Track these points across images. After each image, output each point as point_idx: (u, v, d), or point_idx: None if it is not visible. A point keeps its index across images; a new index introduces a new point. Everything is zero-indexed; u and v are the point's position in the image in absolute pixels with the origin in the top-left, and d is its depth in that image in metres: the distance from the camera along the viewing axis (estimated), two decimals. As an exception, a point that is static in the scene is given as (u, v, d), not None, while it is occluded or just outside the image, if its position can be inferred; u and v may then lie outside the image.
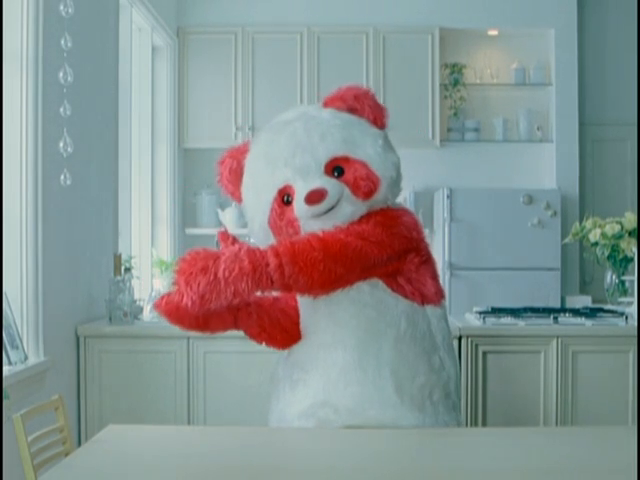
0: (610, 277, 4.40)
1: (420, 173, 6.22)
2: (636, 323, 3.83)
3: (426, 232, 2.76)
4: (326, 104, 2.73)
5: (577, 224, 4.55)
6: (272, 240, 2.63)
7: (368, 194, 2.58)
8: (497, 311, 4.09)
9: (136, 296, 4.28)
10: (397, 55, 6.13)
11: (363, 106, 2.69)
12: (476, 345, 3.78)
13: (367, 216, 2.60)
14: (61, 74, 3.18)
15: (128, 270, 4.26)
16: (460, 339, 3.76)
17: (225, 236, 2.69)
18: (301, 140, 2.61)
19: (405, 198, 6.08)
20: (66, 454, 2.53)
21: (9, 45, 3.31)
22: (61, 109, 3.25)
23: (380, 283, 2.60)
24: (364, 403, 2.53)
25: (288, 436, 2.51)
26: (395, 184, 2.67)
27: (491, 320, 3.90)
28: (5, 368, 3.10)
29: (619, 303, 4.31)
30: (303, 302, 2.68)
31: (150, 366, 3.87)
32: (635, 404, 3.73)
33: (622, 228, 4.25)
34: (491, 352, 3.79)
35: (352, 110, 2.69)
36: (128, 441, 2.40)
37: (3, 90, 3.25)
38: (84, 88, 3.87)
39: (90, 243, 4.08)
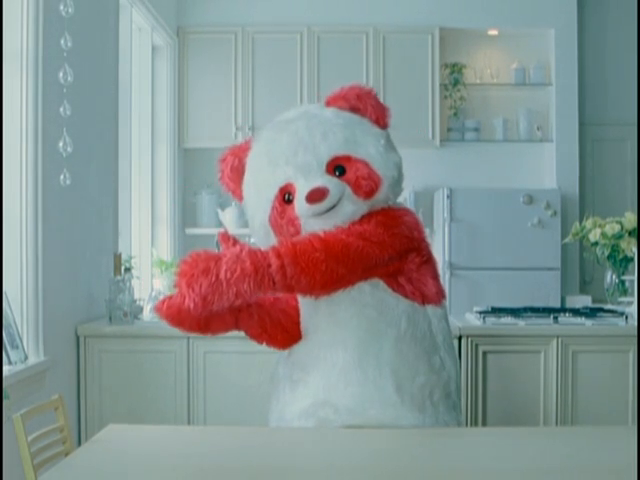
0: (610, 277, 4.40)
1: (420, 173, 6.22)
2: (636, 323, 3.83)
3: (426, 232, 2.76)
4: (328, 103, 2.73)
5: (577, 224, 4.55)
6: (273, 238, 2.63)
7: (369, 193, 2.58)
8: (497, 311, 4.09)
9: (136, 296, 4.28)
10: (397, 55, 6.13)
11: (366, 106, 2.69)
12: (476, 345, 3.78)
13: (368, 216, 2.60)
14: (61, 74, 3.18)
15: (128, 270, 4.27)
16: (460, 339, 3.76)
17: (226, 237, 2.69)
18: (303, 139, 2.61)
19: (405, 198, 6.08)
20: (66, 454, 2.53)
21: (9, 45, 3.30)
22: (61, 109, 3.25)
23: (381, 283, 2.60)
24: (364, 403, 2.53)
25: (288, 436, 2.51)
26: (396, 184, 2.67)
27: (491, 320, 3.90)
28: (5, 368, 3.10)
29: (619, 303, 4.31)
30: (304, 302, 2.68)
31: (150, 366, 3.87)
32: (635, 404, 3.73)
33: (622, 228, 4.25)
34: (491, 352, 3.79)
35: (354, 109, 2.69)
36: (128, 441, 2.40)
37: (3, 90, 3.25)
38: (84, 88, 3.87)
39: (90, 243, 4.08)
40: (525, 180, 6.31)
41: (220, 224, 6.19)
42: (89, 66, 4.02)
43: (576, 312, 4.06)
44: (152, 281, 5.29)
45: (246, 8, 6.20)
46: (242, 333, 2.72)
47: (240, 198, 2.78)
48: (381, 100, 2.76)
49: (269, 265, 2.38)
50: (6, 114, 3.28)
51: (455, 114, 6.30)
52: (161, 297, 2.65)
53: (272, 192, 2.62)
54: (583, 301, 5.49)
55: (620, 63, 6.40)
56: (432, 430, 2.53)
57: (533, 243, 5.78)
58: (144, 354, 3.89)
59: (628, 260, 4.31)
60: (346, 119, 2.66)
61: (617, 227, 4.24)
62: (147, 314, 4.37)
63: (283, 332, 2.68)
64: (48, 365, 3.44)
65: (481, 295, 5.65)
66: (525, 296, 5.50)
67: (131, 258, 4.61)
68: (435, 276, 2.70)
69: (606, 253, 4.32)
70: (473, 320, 4.00)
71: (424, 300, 2.63)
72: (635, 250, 4.17)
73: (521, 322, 3.87)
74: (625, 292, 4.35)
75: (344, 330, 2.57)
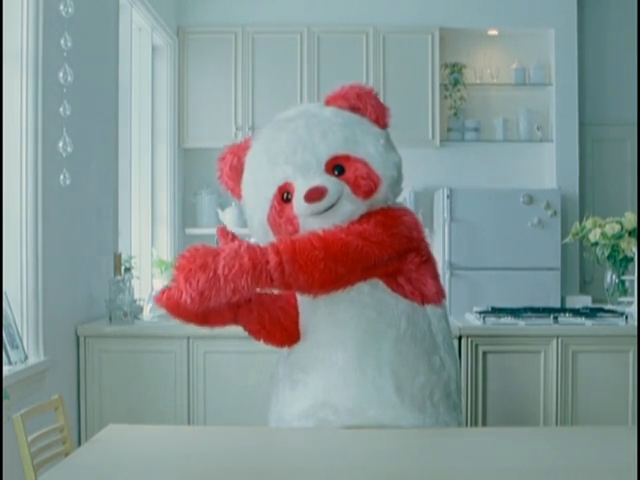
0: (610, 277, 4.40)
1: (420, 173, 6.22)
2: (636, 323, 3.83)
3: (426, 232, 2.76)
4: (328, 102, 2.73)
5: (577, 224, 4.55)
6: (271, 237, 2.63)
7: (368, 193, 2.58)
8: (497, 311, 4.09)
9: (136, 296, 4.28)
10: (397, 55, 6.13)
11: (365, 105, 2.68)
12: (476, 345, 3.78)
13: (367, 215, 2.59)
14: (61, 74, 3.18)
15: (128, 270, 4.27)
16: (460, 339, 3.76)
17: (225, 232, 2.68)
18: (302, 137, 2.61)
19: (405, 198, 6.08)
20: (66, 454, 2.53)
21: (9, 45, 3.30)
22: (61, 109, 3.25)
23: (380, 283, 2.59)
24: (364, 404, 2.53)
25: (288, 436, 2.51)
26: (396, 184, 2.67)
27: (491, 320, 3.90)
28: (5, 368, 3.10)
29: (619, 303, 4.31)
30: (303, 302, 2.68)
31: (150, 366, 3.87)
32: (635, 404, 3.73)
33: (622, 228, 4.25)
34: (491, 352, 3.79)
35: (354, 109, 2.69)
36: (128, 441, 2.40)
37: (3, 90, 3.25)
38: (84, 88, 3.87)
39: (90, 243, 4.08)
40: (525, 180, 6.31)
41: (220, 224, 6.18)
42: (89, 66, 4.02)
43: (576, 312, 4.06)
44: (152, 281, 5.29)
45: (246, 8, 6.20)
46: (242, 333, 2.72)
47: (239, 197, 2.78)
48: (381, 100, 2.75)
49: (267, 262, 2.37)
50: (6, 114, 3.28)
51: (455, 114, 6.31)
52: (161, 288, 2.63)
53: (271, 191, 2.62)
54: (583, 301, 5.50)
55: (620, 63, 6.40)
56: (432, 430, 2.52)
57: (533, 243, 5.78)
58: (144, 354, 3.89)
59: (628, 260, 4.31)
60: (346, 118, 2.66)
61: (617, 227, 4.24)
62: (147, 314, 4.37)
63: (282, 330, 2.68)
64: (48, 365, 3.44)
65: (481, 295, 5.65)
66: (525, 296, 5.50)
67: (131, 258, 4.61)
68: (435, 276, 2.69)
69: (606, 253, 4.31)
70: (473, 320, 4.00)
71: (424, 300, 2.63)
72: (635, 250, 4.17)
73: (521, 322, 3.87)
74: (625, 292, 4.35)
75: (343, 330, 2.57)
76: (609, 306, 4.32)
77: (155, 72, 5.80)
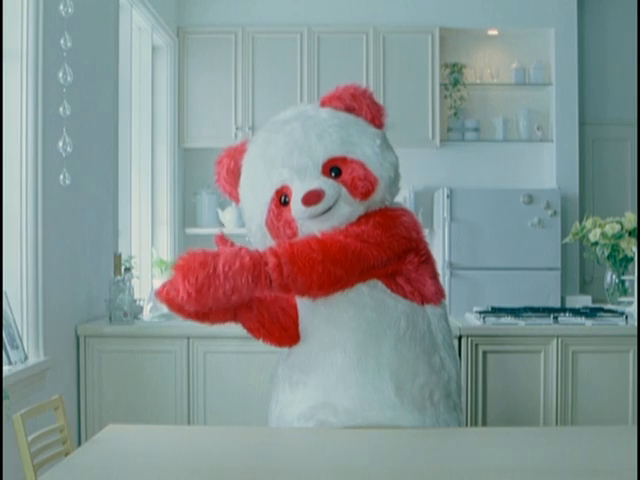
0: (610, 277, 4.41)
1: (420, 173, 6.23)
2: (636, 323, 3.83)
3: (426, 232, 2.76)
4: (324, 103, 2.72)
5: (577, 224, 4.55)
6: (270, 241, 2.63)
7: (366, 194, 2.58)
8: (497, 311, 4.09)
9: (136, 296, 4.28)
10: (397, 55, 6.13)
11: (361, 105, 2.68)
12: (476, 345, 3.78)
13: (366, 217, 2.59)
14: (61, 74, 3.18)
15: (128, 270, 4.26)
16: (460, 339, 3.76)
17: (223, 240, 2.67)
18: (298, 140, 2.60)
19: (405, 198, 6.09)
20: (66, 454, 2.53)
21: (9, 45, 3.30)
22: (60, 109, 3.25)
23: (379, 284, 2.59)
24: (364, 405, 2.52)
25: (288, 436, 2.51)
26: (393, 184, 2.67)
27: (491, 320, 3.90)
28: (5, 368, 3.10)
29: (619, 303, 4.31)
30: (302, 304, 2.67)
31: (150, 366, 3.87)
32: (635, 404, 3.73)
33: (622, 228, 4.25)
34: (491, 352, 3.79)
35: (350, 109, 2.68)
36: (128, 441, 2.40)
37: (3, 90, 3.25)
38: (84, 88, 3.87)
39: (90, 243, 4.08)
40: (525, 180, 6.31)
41: (220, 224, 6.19)
42: (89, 66, 4.02)
43: (576, 312, 4.06)
44: (152, 281, 5.29)
45: (246, 8, 6.20)
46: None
47: (237, 200, 2.78)
48: (380, 100, 2.76)
49: (266, 263, 2.37)
50: (6, 114, 3.28)
51: (455, 114, 6.31)
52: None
53: (268, 194, 2.62)
54: (583, 301, 5.51)
55: (620, 63, 6.40)
56: (432, 430, 2.52)
57: (533, 243, 5.78)
58: (144, 354, 3.89)
59: (628, 260, 4.32)
60: (341, 119, 2.65)
61: (617, 227, 4.24)
62: (147, 314, 4.37)
63: (280, 329, 2.67)
64: (48, 365, 3.44)
65: (481, 295, 5.66)
66: (525, 296, 5.50)
67: (131, 258, 4.60)
68: (434, 276, 2.69)
69: (606, 253, 4.32)
70: (473, 320, 4.00)
71: (423, 300, 2.63)
72: (635, 250, 4.17)
73: (521, 322, 3.87)
74: (625, 292, 4.35)
75: (343, 332, 2.57)
76: (609, 306, 4.32)
77: (155, 72, 5.80)
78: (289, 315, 2.69)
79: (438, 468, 2.12)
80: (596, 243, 4.33)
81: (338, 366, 2.55)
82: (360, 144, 2.61)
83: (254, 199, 2.67)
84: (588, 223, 4.37)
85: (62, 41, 3.17)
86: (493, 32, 6.33)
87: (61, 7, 3.12)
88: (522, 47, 6.38)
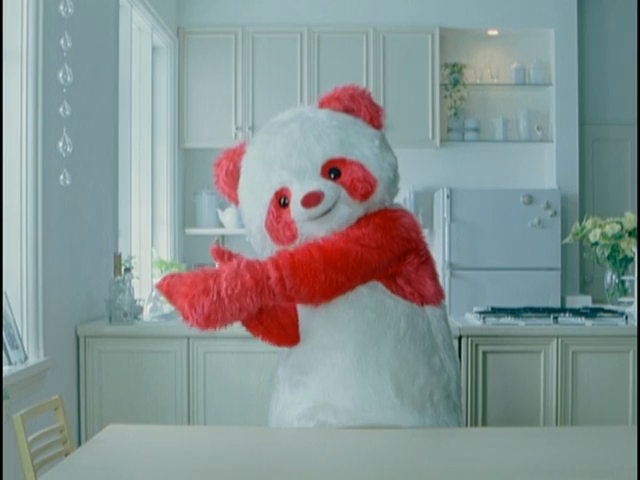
0: (610, 277, 4.41)
1: (420, 173, 6.22)
2: (636, 323, 3.83)
3: (426, 232, 2.75)
4: (322, 104, 2.72)
5: (577, 224, 4.55)
6: (269, 242, 2.63)
7: (365, 196, 2.58)
8: (497, 311, 4.10)
9: (136, 296, 4.28)
10: (397, 55, 6.12)
11: (359, 106, 2.68)
12: (476, 345, 3.78)
13: (366, 219, 2.59)
14: (61, 74, 3.18)
15: (128, 270, 4.26)
16: (460, 339, 3.76)
17: (220, 253, 2.63)
18: (297, 142, 2.60)
19: (405, 198, 6.09)
20: (66, 454, 2.53)
21: (9, 45, 3.30)
22: (60, 109, 3.25)
23: (379, 285, 2.59)
24: (364, 405, 2.52)
25: (288, 436, 2.51)
26: (392, 185, 2.67)
27: (491, 320, 3.90)
28: (5, 368, 3.10)
29: (619, 303, 4.31)
30: (302, 305, 2.67)
31: (150, 366, 3.87)
32: (635, 404, 3.73)
33: (622, 228, 4.25)
34: (491, 352, 3.79)
35: (348, 110, 2.68)
36: (128, 441, 2.40)
37: (3, 90, 3.25)
38: (84, 88, 3.87)
39: (90, 243, 4.08)
40: (525, 180, 6.31)
41: (220, 224, 6.19)
42: (89, 66, 4.02)
43: (576, 312, 4.06)
44: (152, 281, 5.29)
45: (246, 8, 6.20)
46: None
47: (236, 202, 2.78)
48: (380, 100, 2.76)
49: (268, 277, 2.38)
50: (6, 114, 3.28)
51: (455, 114, 6.31)
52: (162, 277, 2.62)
53: (268, 196, 2.62)
54: (583, 301, 5.51)
55: (620, 63, 6.40)
56: (432, 430, 2.52)
57: (533, 243, 5.78)
58: (144, 354, 3.89)
59: (628, 260, 4.32)
60: (340, 120, 2.65)
61: (617, 227, 4.24)
62: (147, 314, 4.37)
63: (279, 328, 2.67)
64: (48, 365, 3.44)
65: (481, 295, 5.66)
66: (525, 296, 5.50)
67: (131, 258, 4.60)
68: (434, 276, 2.69)
69: (606, 253, 4.32)
70: (473, 320, 4.00)
71: (423, 301, 2.63)
72: (635, 250, 4.17)
73: (521, 322, 3.87)
74: (625, 292, 4.35)
75: (343, 332, 2.57)
76: (609, 306, 4.32)
77: (155, 72, 5.80)
78: (288, 314, 2.69)
79: (438, 468, 2.12)
80: (596, 243, 4.33)
81: (338, 367, 2.55)
82: (359, 145, 2.61)
83: (253, 201, 2.67)
84: (588, 223, 4.37)
85: (62, 41, 3.17)
86: (493, 32, 6.33)
87: (61, 7, 3.12)
88: (522, 47, 6.38)
